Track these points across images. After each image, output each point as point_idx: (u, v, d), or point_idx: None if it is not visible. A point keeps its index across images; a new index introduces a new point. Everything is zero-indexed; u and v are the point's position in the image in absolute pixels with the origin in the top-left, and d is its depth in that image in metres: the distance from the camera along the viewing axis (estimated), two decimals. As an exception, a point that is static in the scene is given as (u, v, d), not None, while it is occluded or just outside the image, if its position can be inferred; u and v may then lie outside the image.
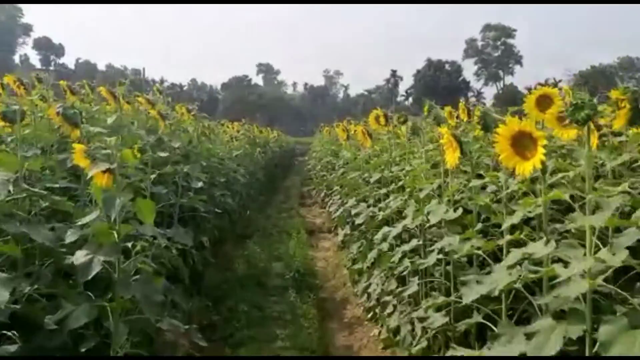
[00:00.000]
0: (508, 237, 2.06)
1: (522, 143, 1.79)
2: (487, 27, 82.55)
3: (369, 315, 4.48)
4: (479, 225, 2.45)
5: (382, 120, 4.37)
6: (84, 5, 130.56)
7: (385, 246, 3.73)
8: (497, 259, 2.18)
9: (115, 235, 2.43)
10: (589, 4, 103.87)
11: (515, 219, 2.01)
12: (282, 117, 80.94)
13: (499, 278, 1.86)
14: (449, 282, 2.82)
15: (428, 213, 2.72)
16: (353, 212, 5.03)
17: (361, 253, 4.61)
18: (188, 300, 3.95)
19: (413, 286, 3.21)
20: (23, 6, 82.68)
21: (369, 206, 4.81)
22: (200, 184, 4.33)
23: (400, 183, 3.53)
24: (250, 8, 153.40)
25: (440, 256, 2.72)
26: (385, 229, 3.50)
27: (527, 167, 1.76)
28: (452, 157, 2.46)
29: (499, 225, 2.31)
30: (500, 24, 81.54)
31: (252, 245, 6.84)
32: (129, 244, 2.70)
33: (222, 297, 4.98)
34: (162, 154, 3.85)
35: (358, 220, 4.24)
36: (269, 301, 5.12)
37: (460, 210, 2.52)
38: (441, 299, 2.64)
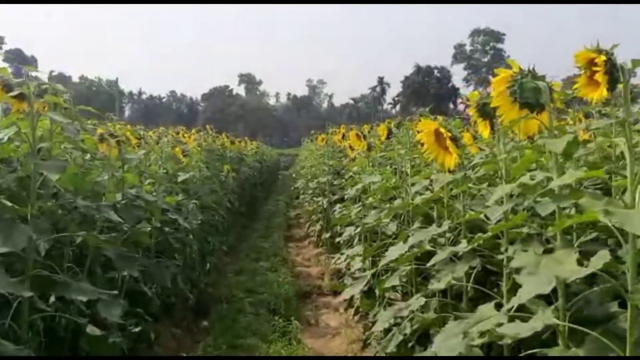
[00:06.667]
0: None
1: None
2: (476, 32, 79.97)
3: None
4: None
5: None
6: (56, 15, 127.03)
7: None
8: None
9: None
10: (578, 4, 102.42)
11: None
12: (266, 128, 77.96)
13: None
14: None
15: None
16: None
17: None
18: None
19: None
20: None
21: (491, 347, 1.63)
22: None
23: None
24: (231, 18, 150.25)
25: None
26: None
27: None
28: None
29: None
30: (489, 28, 78.95)
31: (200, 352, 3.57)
32: None
33: None
34: None
35: None
36: None
37: None
38: None
